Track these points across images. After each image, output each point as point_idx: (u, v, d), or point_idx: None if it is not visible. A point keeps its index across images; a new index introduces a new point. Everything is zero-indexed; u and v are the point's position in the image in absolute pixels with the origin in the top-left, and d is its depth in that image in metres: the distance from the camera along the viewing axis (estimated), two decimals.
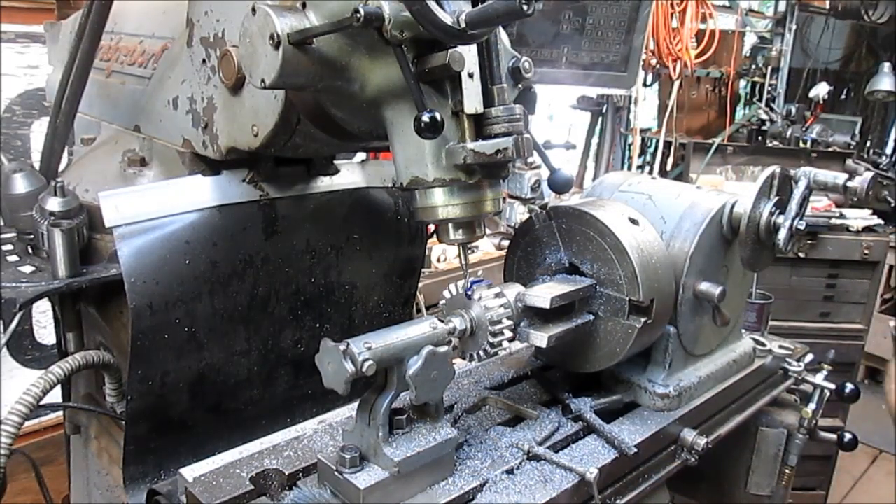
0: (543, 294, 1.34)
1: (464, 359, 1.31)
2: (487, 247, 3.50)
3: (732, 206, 1.57)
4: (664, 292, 1.46)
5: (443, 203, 1.13)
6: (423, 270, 1.96)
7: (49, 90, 2.12)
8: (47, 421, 2.74)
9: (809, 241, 4.08)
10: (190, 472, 1.25)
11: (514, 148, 1.06)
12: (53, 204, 1.42)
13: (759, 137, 5.56)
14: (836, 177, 1.89)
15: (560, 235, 1.51)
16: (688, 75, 5.30)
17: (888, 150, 6.57)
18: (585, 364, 1.54)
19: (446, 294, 1.31)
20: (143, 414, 1.41)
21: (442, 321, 1.24)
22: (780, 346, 2.00)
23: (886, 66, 5.24)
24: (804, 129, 5.20)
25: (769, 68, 5.71)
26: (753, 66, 5.83)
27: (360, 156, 1.96)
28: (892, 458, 5.07)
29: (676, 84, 5.21)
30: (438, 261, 3.35)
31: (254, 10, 1.05)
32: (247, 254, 1.46)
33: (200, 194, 1.40)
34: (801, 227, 1.54)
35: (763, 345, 1.99)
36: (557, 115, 5.83)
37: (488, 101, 1.09)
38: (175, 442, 1.46)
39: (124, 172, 1.55)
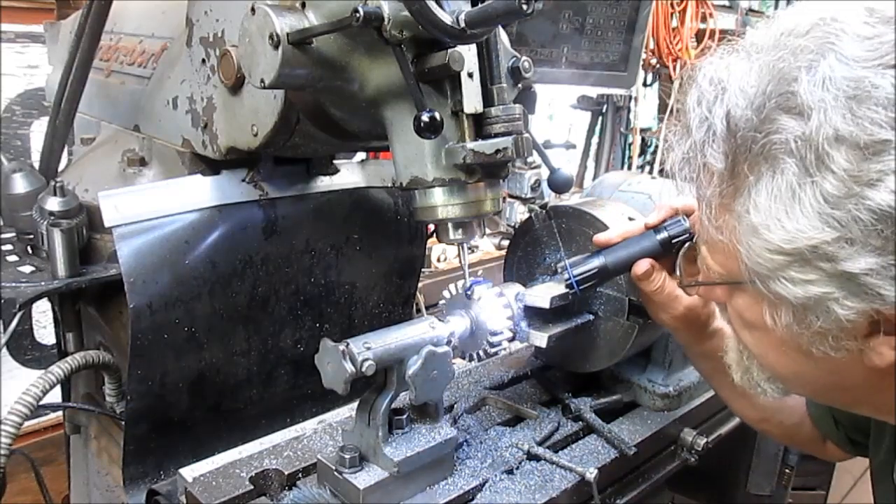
0: (543, 294, 1.34)
1: (464, 359, 1.31)
2: (487, 247, 3.50)
3: None
4: None
5: (442, 203, 1.13)
6: (423, 270, 1.95)
7: (49, 90, 2.11)
8: (47, 421, 2.73)
9: None
10: (190, 472, 1.26)
11: (513, 147, 1.06)
12: (53, 204, 1.42)
13: None
14: None
15: (560, 235, 1.51)
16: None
17: None
18: (585, 364, 1.54)
19: (446, 294, 1.31)
20: (143, 414, 1.41)
21: (442, 321, 1.24)
22: None
23: None
24: None
25: None
26: None
27: (360, 156, 1.96)
28: None
29: (676, 84, 5.20)
30: (438, 261, 3.35)
31: (253, 9, 1.05)
32: (246, 254, 1.45)
33: (200, 194, 1.40)
34: None
35: None
36: (557, 114, 5.82)
37: (488, 100, 1.09)
38: (175, 442, 1.46)
39: (124, 172, 1.55)
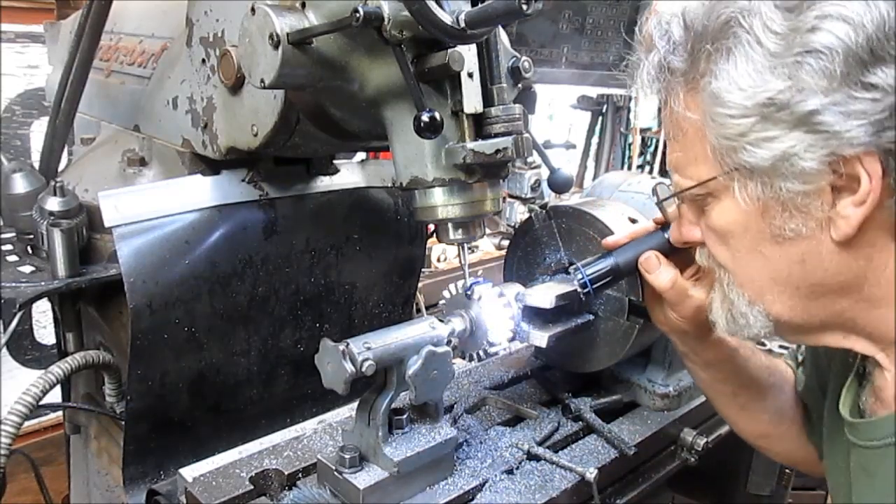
0: (543, 294, 1.34)
1: (464, 359, 1.31)
2: (487, 247, 3.50)
3: None
4: None
5: (442, 203, 1.13)
6: (423, 270, 1.95)
7: (49, 90, 2.12)
8: (47, 421, 2.74)
9: None
10: (190, 472, 1.26)
11: (513, 147, 1.06)
12: (53, 204, 1.42)
13: None
14: None
15: (560, 235, 1.51)
16: None
17: None
18: (585, 364, 1.54)
19: (446, 294, 1.31)
20: (143, 414, 1.41)
21: (442, 321, 1.24)
22: (780, 346, 2.00)
23: None
24: None
25: None
26: None
27: (360, 156, 1.96)
28: None
29: None
30: (438, 261, 3.35)
31: (253, 9, 1.05)
32: (246, 254, 1.45)
33: (200, 194, 1.40)
34: None
35: (763, 344, 1.99)
36: (557, 114, 5.83)
37: (488, 100, 1.09)
38: (175, 442, 1.46)
39: (124, 172, 1.55)
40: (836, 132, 0.82)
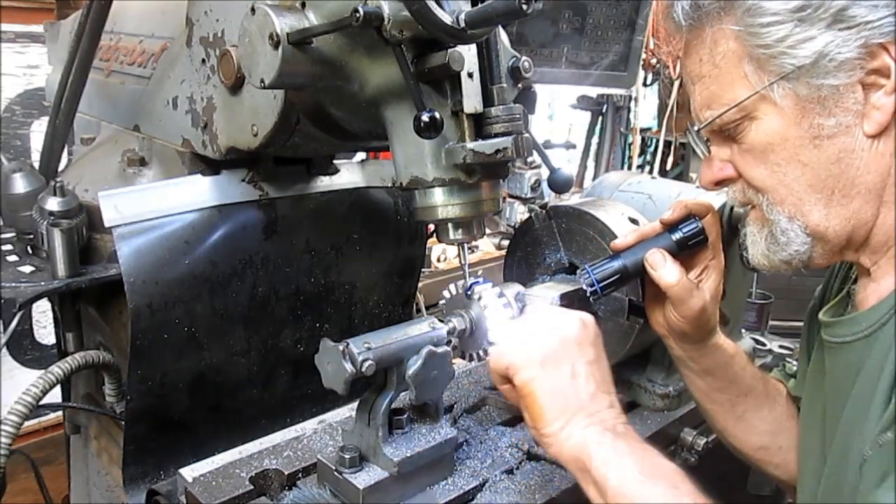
0: (543, 294, 1.34)
1: (464, 359, 1.31)
2: (487, 247, 3.50)
3: (732, 206, 1.57)
4: None
5: (442, 203, 1.13)
6: (423, 270, 1.95)
7: (49, 90, 2.11)
8: (47, 421, 2.74)
9: None
10: (190, 472, 1.26)
11: (513, 147, 1.05)
12: (53, 204, 1.42)
13: None
14: None
15: (560, 235, 1.51)
16: None
17: None
18: None
19: (446, 294, 1.31)
20: (143, 414, 1.41)
21: (442, 321, 1.24)
22: (780, 346, 2.01)
23: None
24: None
25: None
26: None
27: (360, 156, 1.96)
28: None
29: (676, 84, 5.21)
30: (438, 261, 3.35)
31: (253, 9, 1.05)
32: (246, 254, 1.45)
33: (200, 194, 1.40)
34: None
35: (763, 344, 1.99)
36: (557, 114, 5.83)
37: (488, 100, 1.09)
38: (175, 442, 1.46)
39: (124, 172, 1.55)
40: (866, 22, 0.91)
